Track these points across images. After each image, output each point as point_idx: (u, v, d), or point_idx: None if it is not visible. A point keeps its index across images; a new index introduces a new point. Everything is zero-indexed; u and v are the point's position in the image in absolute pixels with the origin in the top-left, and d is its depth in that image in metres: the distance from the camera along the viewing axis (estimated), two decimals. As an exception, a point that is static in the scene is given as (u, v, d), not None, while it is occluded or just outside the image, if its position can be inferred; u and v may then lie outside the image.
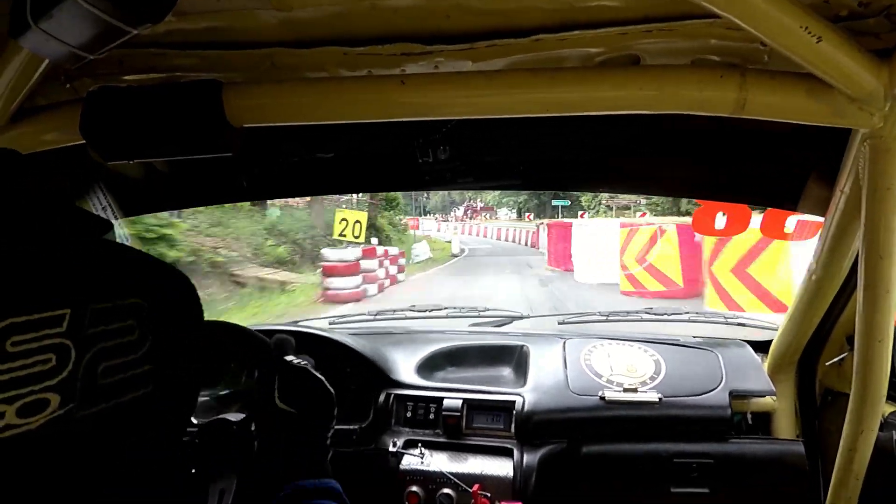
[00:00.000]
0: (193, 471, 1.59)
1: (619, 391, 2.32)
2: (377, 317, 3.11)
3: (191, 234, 16.24)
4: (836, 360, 2.13)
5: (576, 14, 1.21)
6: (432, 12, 1.22)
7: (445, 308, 3.18)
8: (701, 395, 2.31)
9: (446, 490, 2.20)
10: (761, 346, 2.52)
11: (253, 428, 1.72)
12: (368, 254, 17.58)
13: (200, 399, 1.65)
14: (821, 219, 1.71)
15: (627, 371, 2.44)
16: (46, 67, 1.30)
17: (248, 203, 19.28)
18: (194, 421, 1.71)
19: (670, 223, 14.32)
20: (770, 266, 11.16)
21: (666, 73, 1.21)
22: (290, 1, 1.17)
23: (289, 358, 1.65)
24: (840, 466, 1.66)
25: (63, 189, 1.05)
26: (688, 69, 1.24)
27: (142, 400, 0.94)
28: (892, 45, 1.12)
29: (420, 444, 2.32)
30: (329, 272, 16.81)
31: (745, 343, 2.60)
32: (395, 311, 3.14)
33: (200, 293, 1.09)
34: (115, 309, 0.91)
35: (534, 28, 1.25)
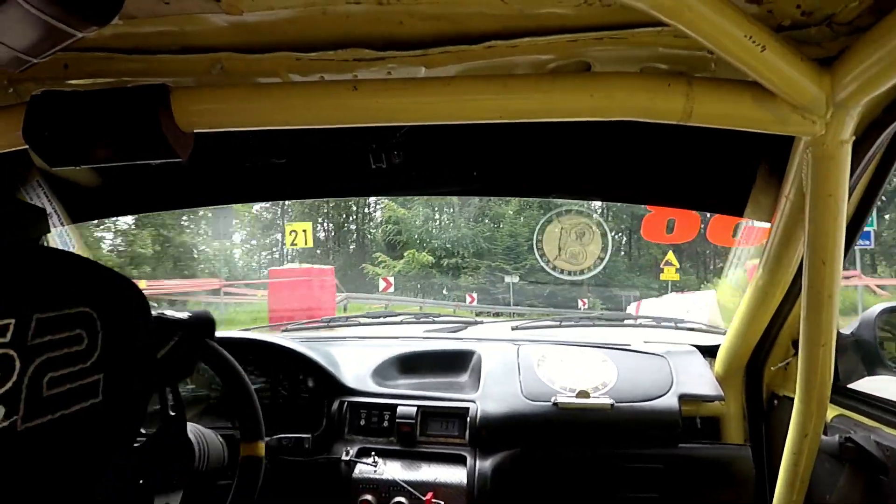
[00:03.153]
0: (141, 482, 1.56)
1: (572, 397, 2.33)
2: (330, 324, 3.09)
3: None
4: (781, 364, 2.16)
5: (527, 21, 1.22)
6: (385, 18, 1.22)
7: (399, 314, 3.17)
8: (652, 400, 2.33)
9: (400, 498, 2.19)
10: (710, 351, 2.55)
11: (197, 441, 1.70)
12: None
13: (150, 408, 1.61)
14: (767, 224, 1.75)
15: (580, 377, 2.45)
16: None
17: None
18: (142, 431, 1.69)
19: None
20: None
21: (616, 81, 1.23)
22: (240, 4, 1.16)
23: None
24: (785, 470, 1.68)
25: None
26: (637, 77, 1.26)
27: (90, 410, 0.93)
28: (834, 54, 1.14)
29: (373, 453, 2.31)
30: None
31: (695, 348, 2.63)
32: (348, 318, 3.13)
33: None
34: (63, 318, 0.89)
35: (486, 34, 1.26)
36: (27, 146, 1.29)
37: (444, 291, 34.50)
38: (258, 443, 1.68)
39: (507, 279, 34.43)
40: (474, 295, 30.66)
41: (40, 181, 1.94)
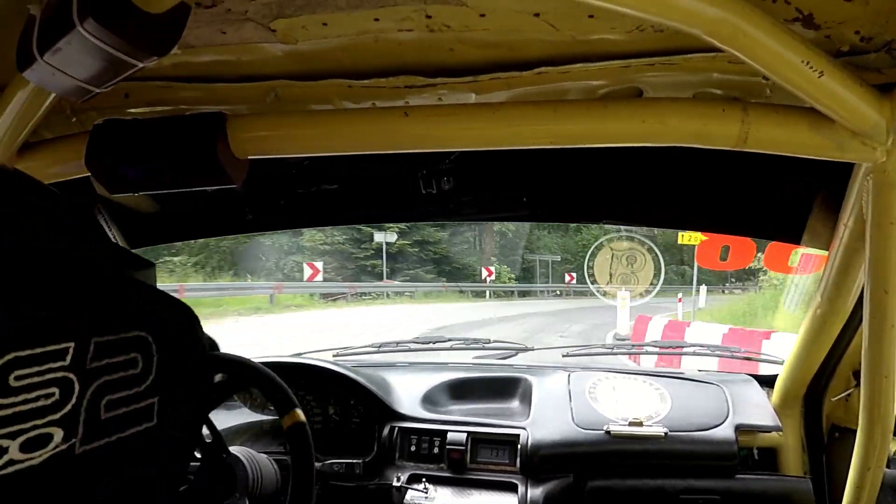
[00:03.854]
0: None
1: (625, 425, 2.29)
2: (381, 349, 3.10)
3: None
4: (842, 395, 2.11)
5: (578, 47, 1.22)
6: (436, 45, 1.23)
7: (449, 340, 3.16)
8: (707, 429, 2.29)
9: None
10: (767, 381, 2.50)
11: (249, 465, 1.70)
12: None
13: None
14: (825, 252, 1.71)
15: (633, 405, 2.41)
16: (52, 101, 1.31)
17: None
18: (198, 455, 1.70)
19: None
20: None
21: (668, 107, 1.21)
22: (295, 34, 1.18)
23: None
24: None
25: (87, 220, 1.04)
26: (690, 102, 1.25)
27: (145, 434, 0.94)
28: (894, 80, 1.12)
29: (424, 479, 2.30)
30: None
31: (751, 377, 2.58)
32: (398, 343, 3.13)
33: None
34: (119, 342, 0.91)
35: (537, 61, 1.26)
36: (89, 174, 1.32)
37: (264, 258, 25.77)
38: (294, 410, 1.66)
39: (378, 238, 26.22)
40: (318, 265, 23.02)
41: (101, 208, 1.99)
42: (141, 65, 0.94)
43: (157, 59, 0.95)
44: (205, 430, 1.63)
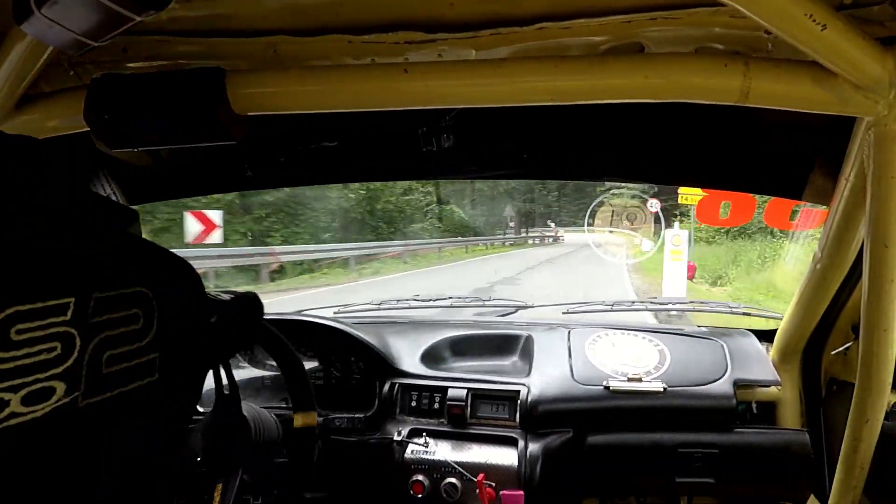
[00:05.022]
0: (199, 459, 1.60)
1: (624, 381, 2.32)
2: (381, 306, 3.12)
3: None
4: (841, 349, 2.12)
5: (580, 2, 1.21)
6: (436, 0, 1.22)
7: (449, 297, 3.18)
8: (705, 384, 2.31)
9: (451, 479, 2.20)
10: (766, 336, 2.52)
11: (252, 418, 1.73)
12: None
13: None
14: (826, 208, 1.71)
15: (632, 361, 2.43)
16: (50, 54, 1.30)
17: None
18: (200, 410, 1.72)
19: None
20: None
21: (670, 62, 1.21)
22: None
23: None
24: (845, 456, 1.66)
25: (79, 177, 1.04)
26: (692, 58, 1.24)
27: (146, 388, 0.95)
28: None
29: (424, 434, 2.33)
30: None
31: (750, 332, 2.60)
32: (398, 300, 3.15)
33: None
34: (120, 298, 0.91)
35: (537, 16, 1.25)
36: (87, 128, 1.32)
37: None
38: (311, 412, 1.70)
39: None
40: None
41: (101, 163, 1.99)
42: (138, 18, 0.93)
43: (155, 13, 0.94)
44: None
